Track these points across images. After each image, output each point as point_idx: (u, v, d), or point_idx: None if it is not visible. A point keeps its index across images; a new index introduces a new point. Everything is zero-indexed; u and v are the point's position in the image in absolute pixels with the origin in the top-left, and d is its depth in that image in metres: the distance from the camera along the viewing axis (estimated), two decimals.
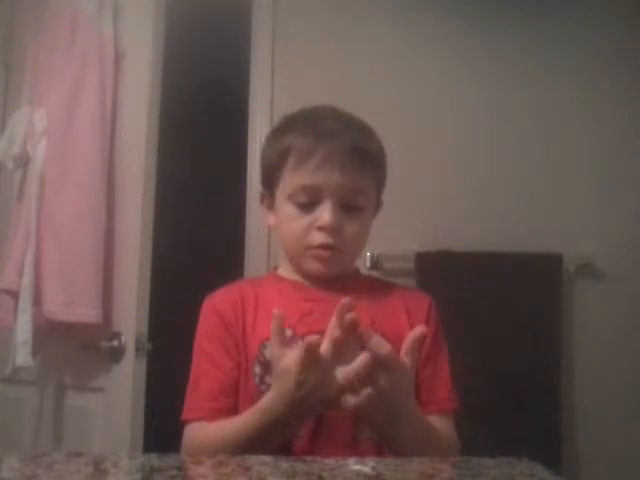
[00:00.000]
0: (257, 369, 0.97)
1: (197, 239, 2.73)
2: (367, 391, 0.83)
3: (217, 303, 1.04)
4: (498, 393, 1.84)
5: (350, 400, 0.83)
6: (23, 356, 1.78)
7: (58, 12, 2.01)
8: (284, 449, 0.91)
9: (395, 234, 1.97)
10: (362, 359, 0.83)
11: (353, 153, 1.01)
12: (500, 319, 1.89)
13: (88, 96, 1.88)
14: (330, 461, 0.60)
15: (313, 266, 1.03)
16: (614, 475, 1.85)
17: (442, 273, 1.92)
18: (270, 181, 1.07)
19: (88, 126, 1.86)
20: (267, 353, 0.96)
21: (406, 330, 0.95)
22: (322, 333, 0.88)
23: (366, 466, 0.59)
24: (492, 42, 2.07)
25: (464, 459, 0.63)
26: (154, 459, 0.58)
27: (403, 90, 2.07)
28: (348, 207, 1.02)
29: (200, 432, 0.95)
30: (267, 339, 0.93)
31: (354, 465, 0.59)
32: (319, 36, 2.08)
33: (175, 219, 2.35)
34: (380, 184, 1.10)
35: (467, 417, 1.91)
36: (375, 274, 1.78)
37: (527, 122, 2.06)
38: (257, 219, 1.92)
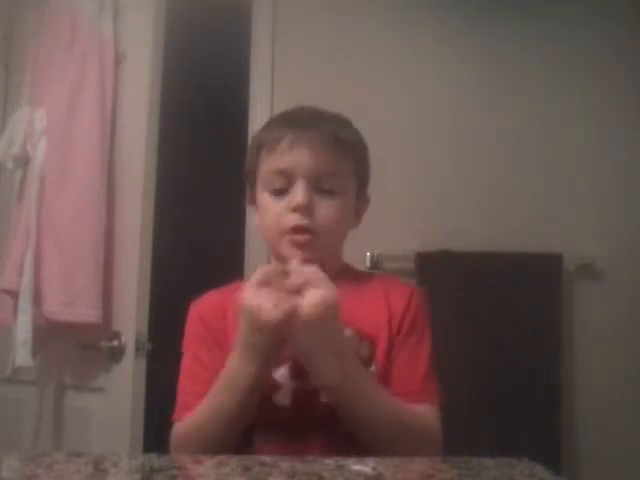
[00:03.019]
0: None
1: (197, 239, 2.73)
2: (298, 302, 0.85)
3: (200, 308, 1.06)
4: (498, 393, 1.84)
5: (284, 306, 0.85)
6: (23, 356, 1.78)
7: (58, 12, 2.01)
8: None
9: (395, 234, 1.98)
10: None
11: (324, 137, 1.00)
12: (500, 319, 1.89)
13: (88, 96, 1.88)
14: (330, 461, 0.60)
15: (290, 252, 1.00)
16: (614, 475, 1.85)
17: (442, 273, 1.92)
18: (251, 179, 1.09)
19: (88, 126, 1.86)
20: None
21: (384, 323, 0.99)
22: None
23: (366, 466, 0.59)
24: (492, 42, 2.07)
25: (464, 459, 0.63)
26: (154, 459, 0.58)
27: (403, 90, 2.07)
28: (322, 190, 1.00)
29: (182, 424, 0.98)
30: None
31: (354, 465, 0.59)
32: (319, 36, 2.08)
33: (175, 219, 2.35)
34: (360, 176, 1.07)
35: (467, 417, 1.92)
36: None
37: (527, 122, 2.06)
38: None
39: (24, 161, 1.96)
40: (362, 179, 1.08)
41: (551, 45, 2.08)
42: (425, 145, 2.05)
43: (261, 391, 0.92)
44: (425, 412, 0.97)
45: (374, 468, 0.59)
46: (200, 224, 2.74)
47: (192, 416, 0.96)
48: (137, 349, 1.73)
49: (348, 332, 0.96)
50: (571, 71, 2.07)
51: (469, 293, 1.90)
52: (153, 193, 1.84)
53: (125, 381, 1.74)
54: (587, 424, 1.90)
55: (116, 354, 1.75)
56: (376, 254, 1.92)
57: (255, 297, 0.87)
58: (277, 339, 0.88)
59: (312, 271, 0.89)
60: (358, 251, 1.87)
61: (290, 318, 0.85)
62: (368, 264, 1.90)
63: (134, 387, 1.73)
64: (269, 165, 1.02)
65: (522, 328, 1.89)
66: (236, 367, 0.91)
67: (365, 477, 0.57)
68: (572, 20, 2.07)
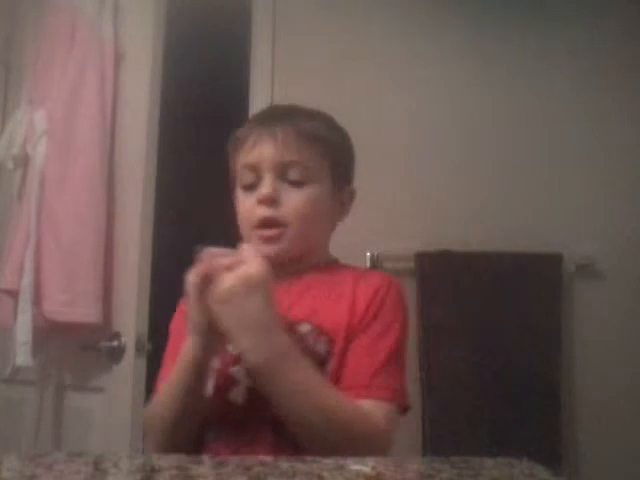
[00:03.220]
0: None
1: (197, 239, 2.73)
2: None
3: (184, 306, 1.06)
4: (498, 393, 1.84)
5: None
6: (23, 356, 1.78)
7: (58, 12, 2.01)
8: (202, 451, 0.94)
9: (395, 234, 1.97)
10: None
11: (287, 130, 1.00)
12: (500, 319, 1.89)
13: (88, 96, 1.88)
14: (330, 461, 0.60)
15: (263, 250, 0.98)
16: (614, 475, 1.85)
17: (442, 273, 1.92)
18: (231, 178, 1.09)
19: (88, 126, 1.87)
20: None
21: (345, 319, 0.96)
22: None
23: (366, 466, 0.59)
24: (492, 42, 2.07)
25: (464, 459, 0.63)
26: (154, 459, 0.58)
27: (403, 90, 2.07)
28: (289, 182, 1.00)
29: (146, 409, 1.01)
30: None
31: (354, 465, 0.59)
32: (319, 36, 2.08)
33: (175, 219, 2.35)
34: (336, 167, 1.05)
35: (467, 417, 1.92)
36: None
37: (527, 122, 2.06)
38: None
39: (24, 161, 1.96)
40: (340, 171, 1.05)
41: (551, 45, 2.08)
42: (425, 145, 2.05)
43: (205, 376, 0.92)
44: (371, 409, 0.91)
45: (374, 468, 0.59)
46: (200, 224, 2.74)
47: (154, 400, 0.98)
48: (137, 349, 1.73)
49: (306, 327, 0.95)
50: (571, 71, 2.06)
51: (469, 293, 1.90)
52: (153, 193, 1.84)
53: (125, 381, 1.74)
54: (587, 424, 1.90)
55: (116, 354, 1.75)
56: (376, 254, 1.92)
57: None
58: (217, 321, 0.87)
59: (246, 249, 0.89)
60: (358, 251, 1.87)
61: (212, 293, 0.85)
62: (368, 264, 1.90)
63: (134, 387, 1.72)
64: (239, 161, 1.04)
65: (522, 328, 1.89)
66: (184, 350, 0.92)
67: (365, 477, 0.57)
68: (572, 20, 2.07)
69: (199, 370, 0.91)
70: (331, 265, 1.08)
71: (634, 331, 1.95)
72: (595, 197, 2.02)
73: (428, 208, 2.01)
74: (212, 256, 0.88)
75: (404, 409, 0.97)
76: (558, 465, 1.78)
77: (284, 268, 1.02)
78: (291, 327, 0.94)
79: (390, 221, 1.96)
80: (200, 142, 2.82)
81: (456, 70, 2.08)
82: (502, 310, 1.89)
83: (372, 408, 0.91)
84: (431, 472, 0.59)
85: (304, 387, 0.87)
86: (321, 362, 0.93)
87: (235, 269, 0.86)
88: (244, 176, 1.03)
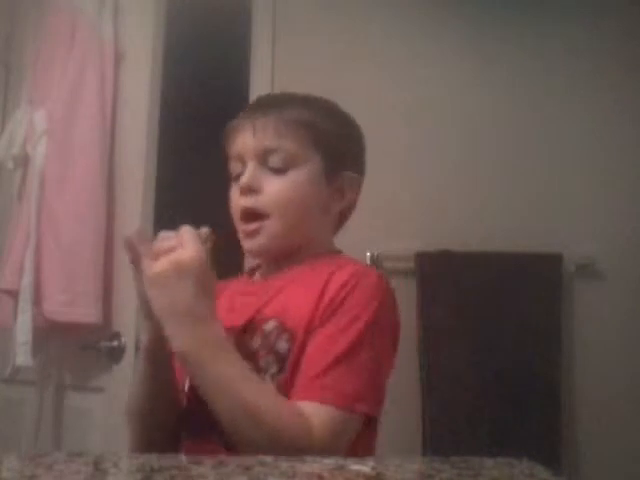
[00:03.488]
0: None
1: None
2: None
3: None
4: (498, 393, 1.84)
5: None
6: (23, 356, 1.78)
7: (58, 12, 2.01)
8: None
9: (395, 234, 1.97)
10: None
11: (267, 117, 0.96)
12: (500, 319, 1.89)
13: (88, 96, 1.88)
14: (330, 461, 0.60)
15: (245, 245, 0.97)
16: (614, 475, 1.85)
17: (442, 273, 1.92)
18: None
19: (88, 126, 1.87)
20: None
21: (308, 314, 0.88)
22: (238, 328, 0.91)
23: (366, 466, 0.59)
24: (492, 42, 2.07)
25: (464, 459, 0.62)
26: (154, 459, 0.58)
27: (403, 91, 2.07)
28: (272, 169, 0.96)
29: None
30: None
31: (354, 465, 0.59)
32: (319, 36, 2.08)
33: (175, 219, 2.35)
34: (328, 153, 0.99)
35: (467, 417, 1.92)
36: None
37: (527, 122, 2.06)
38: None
39: (24, 161, 1.96)
40: (333, 156, 0.99)
41: (551, 45, 2.08)
42: (425, 145, 2.05)
43: (164, 362, 0.91)
44: (309, 413, 0.82)
45: (374, 468, 0.59)
46: (200, 224, 2.74)
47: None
48: (137, 349, 1.73)
49: (271, 325, 0.90)
50: (571, 71, 2.06)
51: (469, 293, 1.90)
52: (153, 193, 1.84)
53: (125, 381, 1.73)
54: (587, 424, 1.90)
55: (116, 354, 1.75)
56: (376, 254, 1.92)
57: None
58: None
59: (185, 232, 0.87)
60: (358, 251, 1.87)
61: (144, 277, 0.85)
62: (368, 264, 1.90)
63: None
64: (229, 153, 1.02)
65: (522, 328, 1.89)
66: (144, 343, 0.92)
67: (365, 477, 0.57)
68: (572, 20, 2.07)
69: (152, 356, 0.90)
70: (326, 257, 0.99)
71: (634, 331, 1.95)
72: (595, 197, 2.02)
73: (428, 208, 2.01)
74: (141, 239, 0.88)
75: (369, 417, 0.87)
76: (558, 465, 1.78)
77: (278, 262, 1.00)
78: (258, 325, 0.91)
79: (390, 221, 1.96)
80: (200, 142, 2.81)
81: (456, 70, 2.08)
82: (502, 310, 1.89)
83: (311, 411, 0.82)
84: (431, 472, 0.59)
85: (226, 382, 0.81)
86: (282, 360, 0.88)
87: (169, 253, 0.84)
88: (232, 167, 1.01)
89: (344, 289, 0.89)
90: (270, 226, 0.95)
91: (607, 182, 2.02)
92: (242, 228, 0.97)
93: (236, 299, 0.99)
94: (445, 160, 2.04)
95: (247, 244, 0.97)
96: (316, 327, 0.88)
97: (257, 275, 1.06)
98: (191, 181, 2.76)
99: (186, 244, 0.84)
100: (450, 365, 1.86)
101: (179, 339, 0.83)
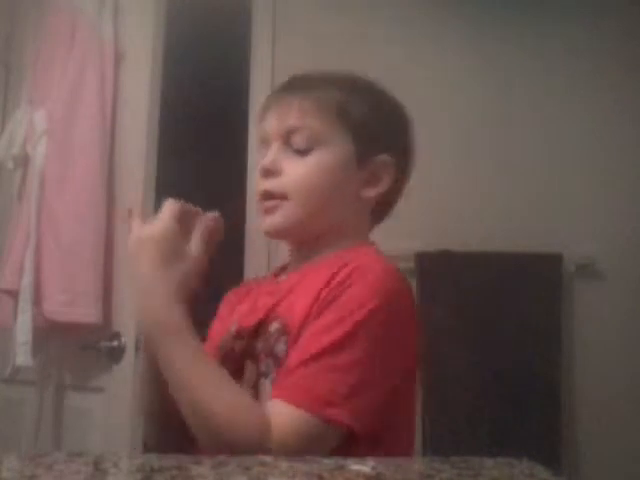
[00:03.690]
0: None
1: None
2: None
3: (226, 295, 1.05)
4: (498, 393, 1.84)
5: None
6: (23, 356, 1.78)
7: (58, 12, 2.01)
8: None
9: (395, 234, 1.97)
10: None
11: (295, 96, 0.92)
12: (500, 319, 1.89)
13: (88, 96, 1.88)
14: (330, 461, 0.60)
15: (262, 225, 0.91)
16: (614, 475, 1.85)
17: (442, 273, 1.92)
18: None
19: (88, 126, 1.87)
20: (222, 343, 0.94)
21: (304, 315, 0.83)
22: (249, 329, 0.88)
23: (366, 466, 0.59)
24: (492, 42, 2.07)
25: (464, 459, 0.63)
26: (154, 459, 0.58)
27: (403, 91, 2.06)
28: (296, 151, 0.90)
29: None
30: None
31: (354, 465, 0.59)
32: (319, 36, 2.08)
33: None
34: (359, 134, 0.92)
35: (467, 417, 1.92)
36: None
37: (527, 122, 2.06)
38: (257, 219, 1.93)
39: (24, 161, 1.96)
40: (365, 136, 0.93)
41: (551, 45, 2.08)
42: (425, 145, 2.04)
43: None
44: (273, 412, 0.76)
45: (374, 468, 0.59)
46: None
47: None
48: (137, 349, 1.73)
49: (274, 326, 0.86)
50: (571, 71, 2.07)
51: (469, 293, 1.90)
52: (153, 193, 1.84)
53: (125, 381, 1.74)
54: (587, 424, 1.90)
55: (116, 354, 1.75)
56: None
57: None
58: None
59: (166, 204, 0.86)
60: None
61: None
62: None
63: (134, 387, 1.72)
64: (257, 137, 1.00)
65: (522, 328, 1.89)
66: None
67: (365, 477, 0.57)
68: (572, 20, 2.07)
69: (153, 355, 0.86)
70: (351, 252, 0.91)
71: (634, 331, 1.95)
72: (595, 197, 2.02)
73: (428, 208, 2.01)
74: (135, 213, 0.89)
75: (347, 427, 0.76)
76: (558, 465, 1.78)
77: (302, 257, 0.94)
78: (267, 327, 0.87)
79: (390, 221, 1.96)
80: (200, 142, 2.82)
81: (456, 70, 2.08)
82: (502, 310, 1.89)
83: (274, 410, 0.76)
84: (431, 472, 0.59)
85: (178, 368, 0.78)
86: (280, 363, 0.83)
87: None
88: (261, 150, 0.96)
89: (341, 286, 0.82)
90: (289, 207, 0.89)
91: (607, 182, 2.02)
92: (260, 207, 0.92)
93: (259, 299, 0.94)
94: (445, 160, 2.04)
95: (264, 224, 0.92)
96: (307, 325, 0.82)
97: (283, 274, 1.00)
98: (191, 181, 2.76)
99: (159, 216, 0.84)
100: (450, 365, 1.86)
101: (143, 319, 0.83)
